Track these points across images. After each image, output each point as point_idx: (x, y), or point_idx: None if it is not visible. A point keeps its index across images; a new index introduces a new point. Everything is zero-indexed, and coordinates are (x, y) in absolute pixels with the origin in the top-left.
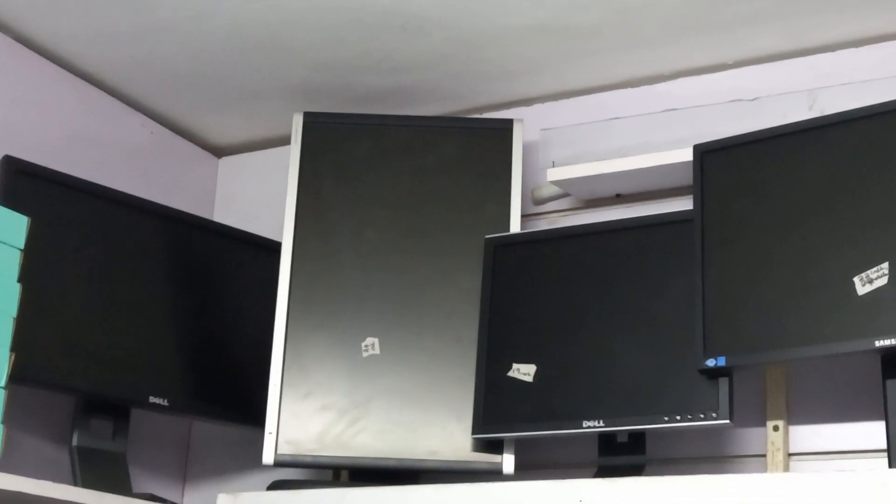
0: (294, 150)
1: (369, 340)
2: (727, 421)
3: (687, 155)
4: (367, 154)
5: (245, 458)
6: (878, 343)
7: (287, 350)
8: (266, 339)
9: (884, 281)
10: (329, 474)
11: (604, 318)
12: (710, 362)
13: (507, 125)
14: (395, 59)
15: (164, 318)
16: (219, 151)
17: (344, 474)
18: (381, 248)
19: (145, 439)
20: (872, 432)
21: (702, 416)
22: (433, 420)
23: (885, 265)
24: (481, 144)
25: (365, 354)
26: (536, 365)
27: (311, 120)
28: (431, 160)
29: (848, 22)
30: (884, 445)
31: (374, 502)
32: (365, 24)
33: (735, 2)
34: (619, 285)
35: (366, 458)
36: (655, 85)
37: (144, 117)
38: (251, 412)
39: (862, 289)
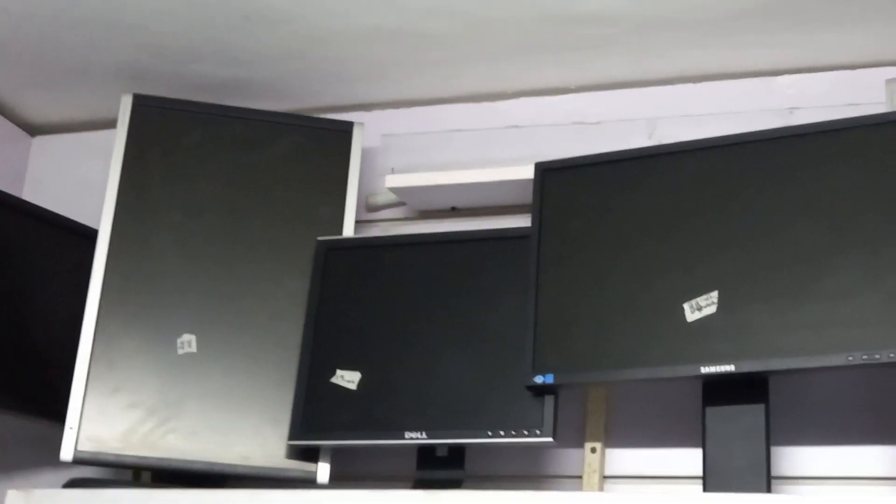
0: (120, 134)
1: (186, 337)
2: (550, 439)
3: (528, 172)
4: (198, 144)
5: (43, 455)
6: (704, 370)
7: (96, 342)
8: (75, 330)
9: (713, 309)
10: (129, 475)
11: (434, 330)
12: (539, 379)
13: (346, 127)
14: (235, 49)
15: None
16: (33, 130)
17: (146, 476)
18: (206, 243)
19: None
20: (689, 458)
21: (525, 432)
22: (248, 424)
23: (715, 294)
24: (319, 145)
25: (180, 352)
26: (361, 373)
27: (140, 103)
28: (266, 156)
29: (688, 58)
30: (699, 472)
31: None
32: (206, 9)
33: (581, 28)
34: (452, 297)
35: (173, 460)
36: (498, 102)
37: None
38: (53, 406)
39: (691, 315)
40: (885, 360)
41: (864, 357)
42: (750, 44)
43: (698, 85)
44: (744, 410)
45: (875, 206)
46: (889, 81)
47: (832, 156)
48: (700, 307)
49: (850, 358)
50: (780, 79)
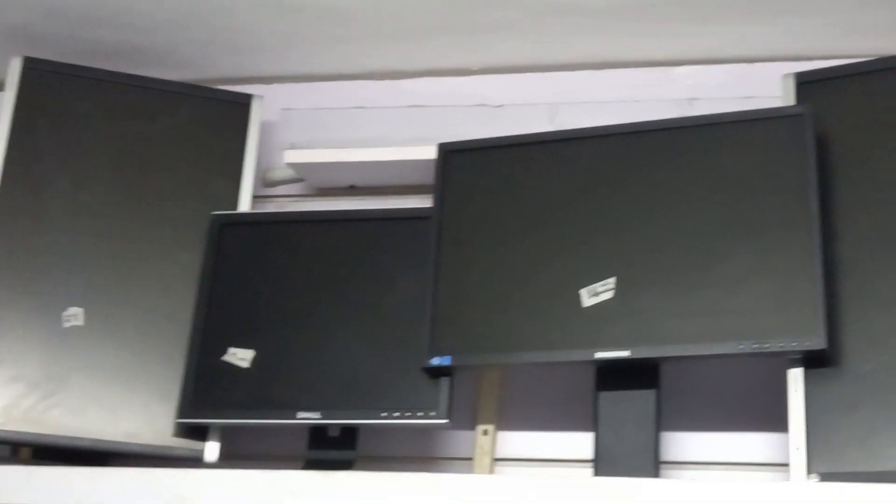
0: (8, 97)
1: (73, 310)
2: (446, 420)
3: (430, 153)
4: (91, 110)
5: None
6: (598, 355)
7: None
8: None
9: (609, 295)
10: (7, 451)
11: (330, 309)
12: (436, 361)
13: (245, 100)
14: (131, 14)
15: None
16: None
17: (25, 452)
18: (97, 213)
19: None
20: (581, 442)
21: (420, 414)
22: (136, 400)
23: (612, 280)
24: (216, 117)
25: (66, 325)
26: (255, 350)
27: (31, 66)
28: (161, 126)
29: (589, 45)
30: (590, 456)
31: (63, 483)
32: None
33: (484, 9)
34: (350, 277)
35: (57, 437)
36: (401, 80)
37: None
38: None
39: (588, 301)
40: (774, 348)
41: (755, 346)
42: (651, 33)
43: (600, 72)
44: (635, 396)
45: (768, 198)
46: (785, 76)
47: (729, 147)
48: (597, 293)
49: (741, 346)
50: (679, 69)
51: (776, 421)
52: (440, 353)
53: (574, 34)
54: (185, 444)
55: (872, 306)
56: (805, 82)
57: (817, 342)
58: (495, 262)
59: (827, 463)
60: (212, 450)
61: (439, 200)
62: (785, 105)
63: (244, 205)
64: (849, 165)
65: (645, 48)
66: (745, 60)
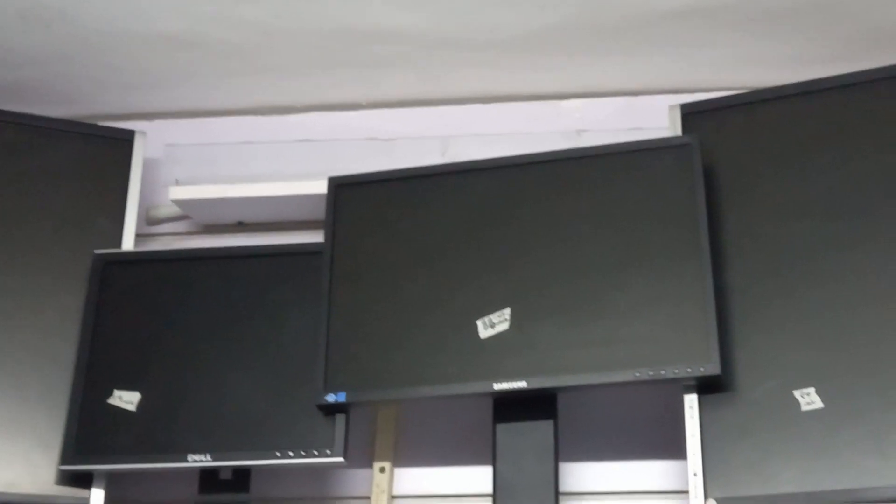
0: None
1: None
2: (341, 459)
3: (320, 187)
4: None
5: None
6: (496, 386)
7: None
8: None
9: (505, 326)
10: None
11: (220, 348)
12: (330, 397)
13: (127, 136)
14: (6, 49)
15: None
16: None
17: None
18: None
19: None
20: (479, 476)
21: (315, 452)
22: (15, 449)
23: (507, 311)
24: (98, 154)
25: None
26: (141, 393)
27: None
28: (39, 164)
29: (479, 79)
30: (490, 489)
31: None
32: None
33: (373, 44)
34: (240, 315)
35: None
36: (290, 115)
37: None
38: None
39: (484, 332)
40: (669, 375)
41: (650, 373)
42: (539, 67)
43: (490, 105)
44: (533, 427)
45: (659, 227)
46: (672, 107)
47: (619, 177)
48: (493, 324)
49: (637, 374)
50: (567, 102)
51: (674, 448)
52: (334, 390)
53: (463, 68)
54: (69, 493)
55: (762, 332)
56: (690, 113)
57: (711, 368)
58: (389, 297)
59: (723, 488)
60: (97, 498)
61: (331, 235)
62: (672, 136)
63: (128, 243)
64: (734, 194)
65: (533, 82)
66: (631, 93)
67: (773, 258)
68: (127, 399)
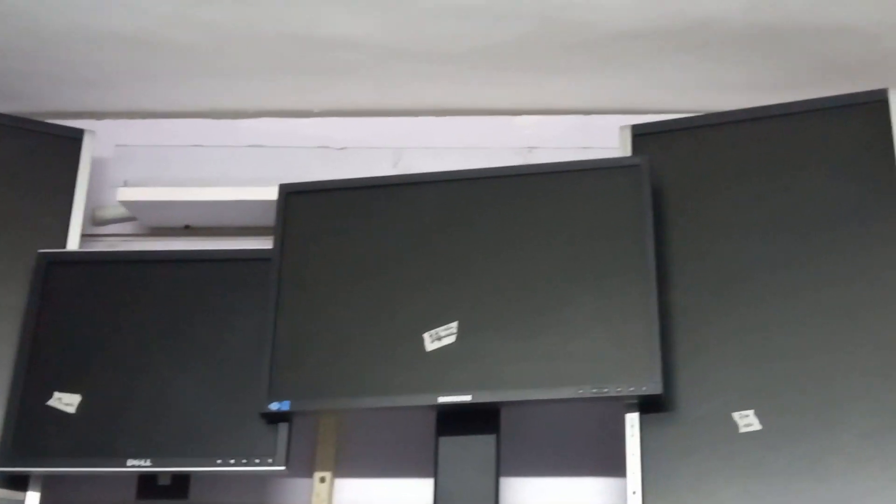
0: None
1: None
2: (283, 467)
3: (270, 193)
4: None
5: None
6: (441, 399)
7: None
8: None
9: (452, 339)
10: None
11: (164, 353)
12: (274, 406)
13: (76, 135)
14: None
15: None
16: None
17: None
18: None
19: None
20: (420, 489)
21: (257, 461)
22: None
23: (455, 324)
24: (45, 152)
25: None
26: (82, 396)
27: None
28: None
29: (433, 92)
30: (430, 502)
31: None
32: None
33: (327, 52)
34: (185, 319)
35: None
36: (241, 120)
37: None
38: None
39: (430, 345)
40: (612, 393)
41: (593, 390)
42: (493, 83)
43: (443, 118)
44: (476, 441)
45: (606, 245)
46: (622, 128)
47: (569, 195)
48: (439, 337)
49: (580, 391)
50: (519, 118)
51: (614, 465)
52: (278, 399)
53: (418, 80)
54: (5, 495)
55: (704, 352)
56: (641, 134)
57: (653, 387)
58: (337, 306)
59: None
60: (33, 500)
61: (280, 242)
62: (622, 156)
63: (73, 243)
64: (681, 215)
65: (487, 97)
66: (584, 112)
67: (716, 279)
68: (67, 401)
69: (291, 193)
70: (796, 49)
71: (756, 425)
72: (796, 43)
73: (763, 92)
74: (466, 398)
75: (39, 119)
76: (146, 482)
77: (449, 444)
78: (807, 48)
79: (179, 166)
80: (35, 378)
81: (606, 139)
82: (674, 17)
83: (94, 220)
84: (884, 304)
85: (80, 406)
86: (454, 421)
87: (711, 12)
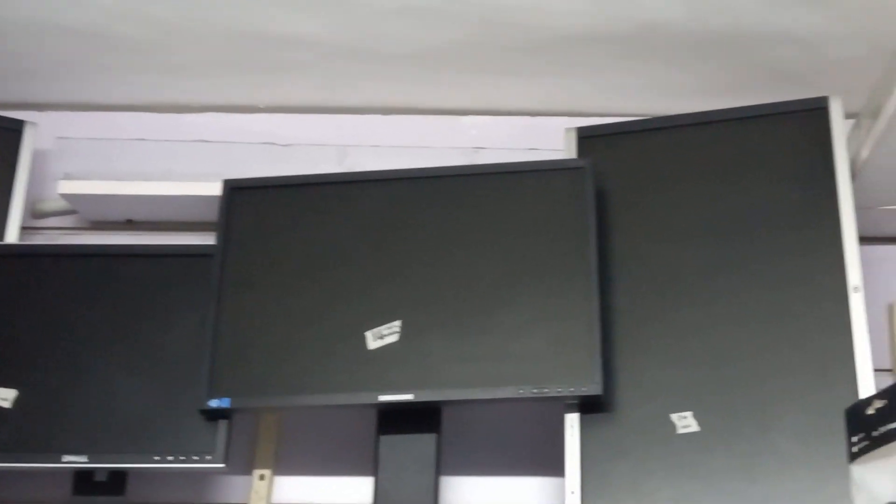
0: None
1: None
2: (222, 465)
3: (214, 189)
4: None
5: None
6: (382, 398)
7: None
8: None
9: (395, 338)
10: None
11: (103, 348)
12: (214, 403)
13: (17, 126)
14: None
15: None
16: None
17: None
18: None
19: None
20: (360, 487)
21: (196, 458)
22: None
23: (398, 323)
24: None
25: None
26: (18, 390)
27: None
28: None
29: (379, 90)
30: (370, 501)
31: None
32: None
33: (273, 49)
34: (125, 314)
35: None
36: (185, 114)
37: None
38: None
39: (373, 343)
40: (552, 393)
41: (534, 390)
42: (440, 82)
43: (389, 117)
44: (417, 440)
45: (550, 246)
46: (568, 130)
47: (513, 196)
48: (382, 335)
49: (521, 391)
50: (465, 119)
51: (553, 465)
52: (219, 395)
53: (364, 78)
54: None
55: (644, 353)
56: (586, 137)
57: (593, 388)
58: (279, 303)
59: None
60: None
61: (223, 238)
62: (567, 158)
63: (12, 236)
64: (624, 217)
65: (433, 96)
66: (529, 113)
67: (657, 281)
68: (2, 396)
69: (235, 189)
70: (741, 55)
71: (694, 427)
72: (741, 49)
73: (708, 97)
74: (408, 397)
75: None
76: (82, 478)
77: (390, 442)
78: (752, 55)
79: (122, 160)
80: None
81: (553, 141)
82: (620, 22)
83: (34, 213)
84: (819, 308)
85: (17, 401)
86: (395, 419)
87: (657, 17)
